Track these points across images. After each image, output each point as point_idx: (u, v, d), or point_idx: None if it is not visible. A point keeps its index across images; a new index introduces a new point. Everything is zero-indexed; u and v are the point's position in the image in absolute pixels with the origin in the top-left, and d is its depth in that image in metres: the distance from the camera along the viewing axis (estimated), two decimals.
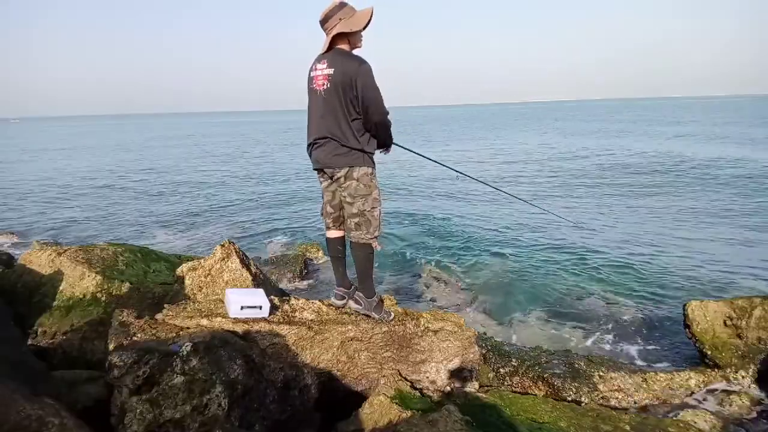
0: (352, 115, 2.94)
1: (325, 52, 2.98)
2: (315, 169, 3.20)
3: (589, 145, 26.58)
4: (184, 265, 4.19)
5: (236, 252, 4.14)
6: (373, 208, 3.10)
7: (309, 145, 3.14)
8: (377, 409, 2.73)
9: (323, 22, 2.94)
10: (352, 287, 3.37)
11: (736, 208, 11.36)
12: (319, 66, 2.98)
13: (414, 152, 4.02)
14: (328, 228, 3.33)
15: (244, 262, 4.13)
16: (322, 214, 3.36)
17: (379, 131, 3.08)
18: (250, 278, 4.01)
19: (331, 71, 2.91)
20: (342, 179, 3.04)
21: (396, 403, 2.74)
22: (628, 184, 14.83)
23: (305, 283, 7.28)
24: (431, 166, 4.33)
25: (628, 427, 3.18)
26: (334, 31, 2.91)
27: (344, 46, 2.98)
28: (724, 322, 4.59)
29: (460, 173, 4.98)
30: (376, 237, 3.16)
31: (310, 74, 3.06)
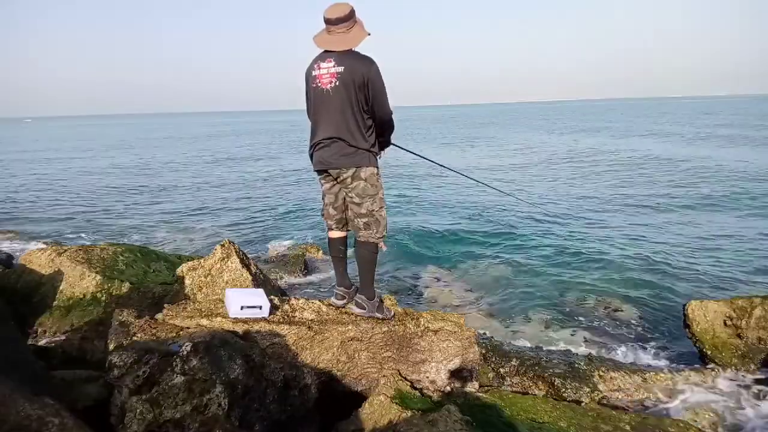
0: (361, 115, 2.91)
1: (329, 50, 2.91)
2: (317, 171, 3.13)
3: (593, 144, 26.60)
4: (184, 265, 4.20)
5: (236, 252, 4.15)
6: (381, 207, 3.08)
7: (313, 146, 3.06)
8: (377, 409, 2.73)
9: (338, 20, 2.87)
10: (353, 287, 3.36)
11: (736, 208, 11.35)
12: (323, 64, 2.91)
13: (414, 153, 3.98)
14: (330, 229, 3.29)
15: (244, 262, 4.13)
16: (323, 216, 3.31)
17: (385, 131, 3.10)
18: (250, 278, 4.01)
19: (340, 69, 2.86)
20: (349, 180, 2.99)
21: (396, 403, 2.74)
22: (627, 186, 14.83)
23: (305, 283, 7.27)
24: (428, 165, 4.30)
25: (628, 427, 3.18)
26: (358, 36, 2.89)
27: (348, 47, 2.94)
28: (724, 322, 4.59)
29: (460, 173, 4.97)
30: (383, 237, 3.13)
31: (311, 72, 2.98)
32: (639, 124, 44.94)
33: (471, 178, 5.05)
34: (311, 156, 3.11)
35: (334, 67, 2.87)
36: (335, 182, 3.10)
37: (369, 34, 2.97)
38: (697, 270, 7.46)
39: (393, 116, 3.07)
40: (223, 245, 4.17)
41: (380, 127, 3.06)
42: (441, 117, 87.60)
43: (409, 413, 2.66)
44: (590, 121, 52.80)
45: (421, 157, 4.17)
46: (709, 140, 27.19)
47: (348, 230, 3.28)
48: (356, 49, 2.94)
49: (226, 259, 4.07)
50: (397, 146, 3.42)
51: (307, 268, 7.81)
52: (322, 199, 3.27)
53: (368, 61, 2.88)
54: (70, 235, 10.66)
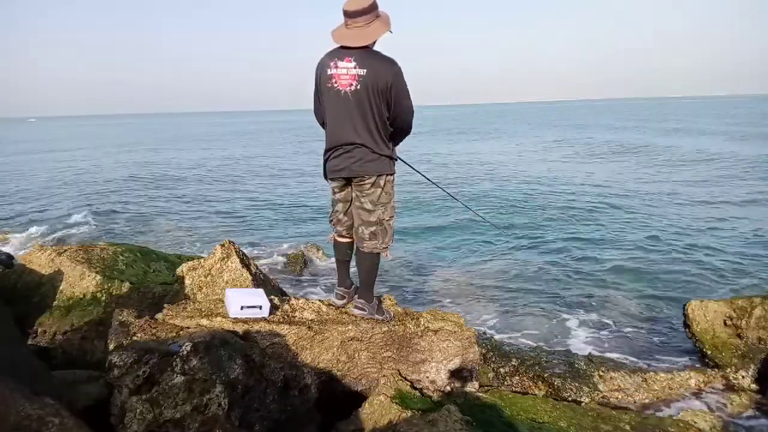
0: (382, 120, 2.77)
1: (346, 48, 2.72)
2: (332, 178, 2.97)
3: (591, 142, 26.60)
4: (184, 264, 4.19)
5: (236, 252, 4.14)
6: (391, 217, 3.00)
7: (330, 150, 2.88)
8: (377, 409, 2.73)
9: (358, 13, 2.66)
10: (353, 287, 3.35)
11: (736, 208, 11.36)
12: (342, 63, 2.70)
13: (408, 164, 3.63)
14: (340, 235, 3.19)
15: (244, 262, 4.13)
16: (331, 222, 3.19)
17: (399, 136, 3.00)
18: (250, 278, 4.00)
19: (362, 72, 2.67)
20: (368, 186, 2.86)
21: (396, 403, 2.74)
22: (624, 186, 14.83)
23: (305, 283, 7.28)
24: (429, 167, 4.21)
25: (628, 427, 3.18)
26: (378, 31, 2.70)
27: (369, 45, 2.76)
28: (724, 322, 4.60)
29: (452, 195, 4.75)
30: (388, 246, 3.05)
31: (326, 71, 2.77)
32: (638, 124, 44.96)
33: (453, 197, 4.86)
34: (327, 161, 2.94)
35: (355, 68, 2.68)
36: (350, 189, 2.97)
37: (391, 32, 2.74)
38: (697, 270, 7.47)
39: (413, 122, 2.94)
40: (223, 245, 4.16)
41: (398, 132, 2.94)
42: (439, 118, 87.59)
43: (409, 413, 2.66)
44: (589, 127, 52.72)
45: (415, 169, 3.93)
46: (708, 140, 27.20)
47: None
48: (377, 49, 2.78)
49: (226, 259, 4.06)
50: (398, 158, 3.35)
51: (307, 268, 7.81)
52: (332, 205, 3.15)
53: (390, 63, 2.71)
54: (70, 235, 10.66)
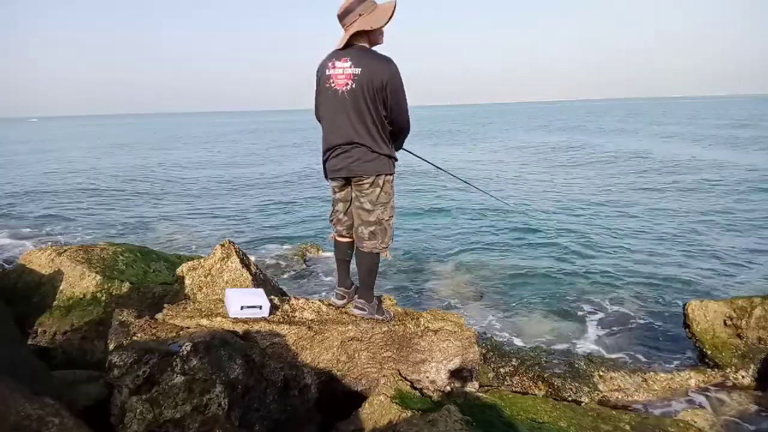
0: (380, 119, 2.79)
1: (344, 48, 2.77)
2: (332, 178, 2.99)
3: (588, 145, 26.59)
4: (184, 264, 4.19)
5: (236, 252, 4.14)
6: (390, 216, 3.00)
7: (329, 150, 2.90)
8: (377, 409, 2.73)
9: (342, 16, 2.74)
10: (353, 287, 3.36)
11: (736, 208, 11.35)
12: (339, 64, 2.75)
13: (422, 158, 3.79)
14: (340, 235, 3.20)
15: (244, 262, 4.13)
16: (332, 222, 3.21)
17: (400, 136, 3.01)
18: (250, 278, 4.01)
19: (357, 71, 2.70)
20: (367, 186, 2.88)
21: (396, 403, 2.74)
22: (628, 185, 14.83)
23: (305, 283, 7.28)
24: (430, 166, 4.22)
25: (628, 427, 3.18)
26: (353, 29, 2.71)
27: (364, 44, 2.78)
28: (724, 322, 4.60)
29: (471, 184, 4.75)
30: (387, 246, 3.05)
31: (325, 72, 2.82)
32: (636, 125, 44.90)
33: (473, 186, 4.86)
34: (326, 161, 2.95)
35: (351, 68, 2.72)
36: (350, 189, 2.99)
37: (371, 28, 2.72)
38: (697, 270, 7.47)
39: (410, 120, 2.96)
40: (223, 245, 4.17)
41: (398, 132, 2.96)
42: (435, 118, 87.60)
43: (409, 413, 2.66)
44: (589, 129, 52.64)
45: (429, 162, 3.98)
46: (712, 141, 27.20)
47: None
48: (375, 49, 2.81)
49: (226, 259, 4.06)
50: (406, 150, 3.33)
51: (307, 268, 7.81)
52: (333, 205, 3.17)
53: (386, 62, 2.73)
54: (70, 235, 10.66)
